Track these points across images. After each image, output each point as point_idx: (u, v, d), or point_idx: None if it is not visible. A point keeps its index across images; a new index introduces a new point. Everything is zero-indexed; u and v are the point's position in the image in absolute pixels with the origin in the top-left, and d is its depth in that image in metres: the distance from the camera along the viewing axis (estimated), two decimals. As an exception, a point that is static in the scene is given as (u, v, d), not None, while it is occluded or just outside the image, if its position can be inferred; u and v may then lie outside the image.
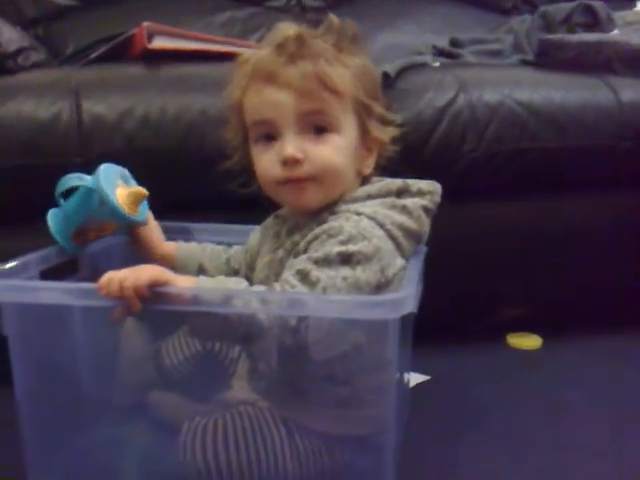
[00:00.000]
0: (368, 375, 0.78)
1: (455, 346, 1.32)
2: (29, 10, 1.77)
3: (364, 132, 0.83)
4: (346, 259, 0.74)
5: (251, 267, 0.95)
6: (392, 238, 0.80)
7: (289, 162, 0.79)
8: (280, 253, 0.84)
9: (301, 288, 0.73)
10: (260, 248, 0.92)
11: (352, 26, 0.84)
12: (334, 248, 0.75)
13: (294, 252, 0.80)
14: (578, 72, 1.37)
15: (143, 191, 0.89)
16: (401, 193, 0.84)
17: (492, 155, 1.24)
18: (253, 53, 0.84)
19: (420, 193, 0.84)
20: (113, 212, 0.87)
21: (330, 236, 0.77)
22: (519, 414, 1.12)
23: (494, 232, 1.32)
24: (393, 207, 0.82)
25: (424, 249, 0.90)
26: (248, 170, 0.87)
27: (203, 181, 1.11)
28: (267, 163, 0.81)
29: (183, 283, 0.73)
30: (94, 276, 0.97)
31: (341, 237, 0.76)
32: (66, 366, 0.85)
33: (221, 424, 0.79)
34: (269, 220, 0.94)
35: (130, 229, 0.96)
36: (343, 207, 0.82)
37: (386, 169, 0.88)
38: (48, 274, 0.89)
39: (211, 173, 1.09)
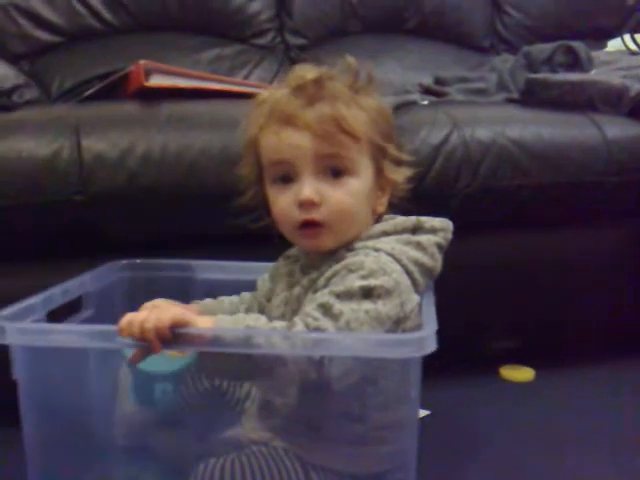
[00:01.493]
0: (388, 411, 0.78)
1: (449, 379, 1.32)
2: (14, 46, 1.76)
3: (379, 173, 0.84)
4: (368, 293, 0.75)
5: (262, 311, 0.94)
6: (408, 274, 0.81)
7: (306, 205, 0.80)
8: (297, 290, 0.84)
9: (324, 321, 0.73)
10: (274, 287, 0.92)
11: (368, 66, 0.86)
12: (356, 282, 0.75)
13: (312, 288, 0.81)
14: (563, 110, 1.42)
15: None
16: (415, 230, 0.85)
17: (486, 191, 1.27)
18: (271, 93, 0.85)
19: (433, 230, 0.86)
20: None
21: (351, 271, 0.77)
22: (518, 447, 1.12)
23: (487, 265, 1.34)
24: (408, 243, 0.83)
25: (432, 284, 0.92)
26: (262, 206, 0.87)
27: (205, 218, 1.11)
28: (284, 204, 0.82)
29: (204, 324, 0.72)
30: (97, 315, 0.98)
31: (362, 272, 0.76)
32: (76, 409, 0.84)
33: (238, 465, 0.78)
34: (279, 262, 0.94)
35: None
36: (360, 244, 0.82)
37: (397, 207, 0.89)
38: (53, 316, 0.88)
39: (213, 210, 1.10)
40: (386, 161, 0.85)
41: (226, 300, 0.99)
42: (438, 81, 1.71)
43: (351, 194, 0.81)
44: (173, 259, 1.06)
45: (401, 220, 0.86)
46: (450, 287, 1.24)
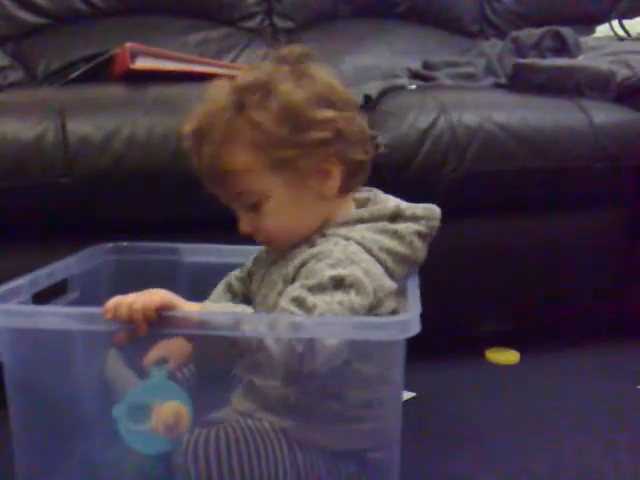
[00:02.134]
0: (369, 391, 0.78)
1: (435, 362, 1.33)
2: (-1, 28, 1.73)
3: (300, 171, 0.81)
4: (339, 283, 0.75)
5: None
6: (380, 262, 0.81)
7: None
8: (273, 276, 0.85)
9: (299, 314, 0.73)
10: (255, 271, 0.93)
11: (296, 50, 0.83)
12: (326, 273, 0.75)
13: (284, 276, 0.81)
14: (550, 95, 1.42)
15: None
16: (394, 218, 0.84)
17: (473, 176, 1.27)
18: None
19: (414, 218, 0.84)
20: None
21: (319, 260, 0.77)
22: (503, 429, 1.13)
23: (473, 249, 1.34)
24: (384, 232, 0.82)
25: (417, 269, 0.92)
26: None
27: (191, 201, 1.10)
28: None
29: (191, 308, 0.73)
30: (83, 298, 0.98)
31: (329, 260, 0.76)
32: (61, 391, 0.83)
33: (223, 435, 0.77)
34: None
35: None
36: (332, 230, 0.83)
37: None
38: (38, 298, 0.88)
39: (199, 193, 1.09)
40: (303, 155, 0.80)
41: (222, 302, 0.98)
42: (427, 66, 1.70)
43: (274, 218, 0.82)
44: (159, 242, 1.06)
45: (378, 207, 0.85)
46: (437, 271, 1.25)
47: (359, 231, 0.82)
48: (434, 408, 1.20)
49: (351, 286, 0.75)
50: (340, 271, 0.75)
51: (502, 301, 1.39)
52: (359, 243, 0.80)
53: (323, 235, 0.83)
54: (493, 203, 1.31)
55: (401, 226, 0.83)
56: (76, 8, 1.80)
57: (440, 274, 1.27)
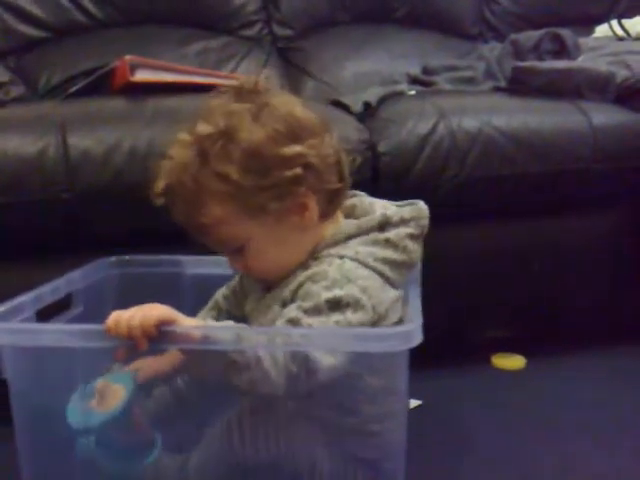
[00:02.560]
0: (376, 405, 0.79)
1: (440, 369, 1.33)
2: (-1, 42, 1.74)
3: (277, 211, 0.80)
4: (335, 305, 0.75)
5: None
6: (379, 274, 0.80)
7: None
8: (266, 301, 0.85)
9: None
10: (248, 289, 0.93)
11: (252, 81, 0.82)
12: (322, 295, 0.75)
13: (281, 299, 0.81)
14: (549, 98, 1.42)
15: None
16: (383, 227, 0.83)
17: (473, 181, 1.27)
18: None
19: (403, 222, 0.83)
20: None
21: (314, 282, 0.77)
22: (510, 435, 1.14)
23: (476, 254, 1.35)
24: (376, 243, 0.82)
25: (419, 276, 0.92)
26: None
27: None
28: None
29: (190, 323, 0.73)
30: (87, 312, 0.98)
31: (325, 283, 0.76)
32: (64, 406, 0.84)
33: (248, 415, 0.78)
34: None
35: None
36: (325, 252, 0.82)
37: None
38: (41, 314, 0.88)
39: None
40: (276, 197, 0.78)
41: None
42: (426, 70, 1.71)
43: (261, 258, 0.82)
44: (161, 255, 1.06)
45: (365, 220, 0.84)
46: (440, 277, 1.26)
47: (351, 247, 0.81)
48: (440, 415, 1.20)
49: (347, 305, 0.75)
50: (336, 292, 0.75)
51: (505, 306, 1.39)
52: (354, 259, 0.80)
53: (316, 258, 0.82)
54: (494, 207, 1.31)
55: (391, 233, 0.82)
56: (76, 20, 1.81)
57: (443, 280, 1.27)
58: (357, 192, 0.90)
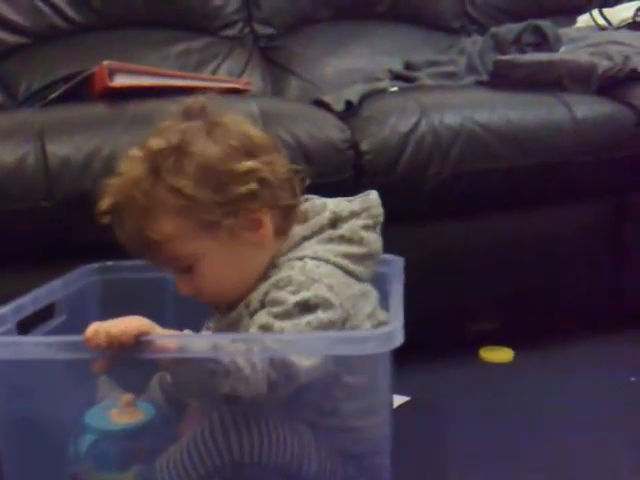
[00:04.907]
0: (357, 401, 0.79)
1: (428, 363, 1.32)
2: (-23, 49, 1.73)
3: (229, 227, 0.79)
4: (305, 308, 0.74)
5: None
6: (342, 269, 0.80)
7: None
8: (232, 315, 0.84)
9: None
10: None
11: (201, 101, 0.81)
12: (289, 300, 0.74)
13: (247, 311, 0.80)
14: (531, 91, 1.42)
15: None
16: (334, 224, 0.83)
17: (457, 176, 1.27)
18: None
19: (354, 215, 0.83)
20: None
21: (280, 288, 0.76)
22: (499, 427, 1.14)
23: (462, 249, 1.35)
24: (331, 240, 0.82)
25: (402, 274, 0.91)
26: None
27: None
28: None
29: (169, 334, 0.72)
30: (71, 321, 0.97)
31: (291, 287, 0.76)
32: (47, 418, 0.83)
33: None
34: None
35: None
36: (282, 259, 0.81)
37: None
38: (24, 324, 0.87)
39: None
40: (230, 213, 0.78)
41: None
42: (408, 66, 1.70)
43: (212, 278, 0.80)
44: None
45: (315, 220, 0.83)
46: (427, 271, 1.26)
47: (309, 248, 0.81)
48: (429, 411, 1.20)
49: (317, 306, 0.75)
50: (303, 294, 0.74)
51: (493, 299, 1.39)
52: (314, 257, 0.79)
53: (275, 266, 0.81)
54: (478, 202, 1.31)
55: (344, 228, 0.82)
56: (55, 25, 1.79)
57: (430, 274, 1.28)
58: (308, 196, 0.88)
